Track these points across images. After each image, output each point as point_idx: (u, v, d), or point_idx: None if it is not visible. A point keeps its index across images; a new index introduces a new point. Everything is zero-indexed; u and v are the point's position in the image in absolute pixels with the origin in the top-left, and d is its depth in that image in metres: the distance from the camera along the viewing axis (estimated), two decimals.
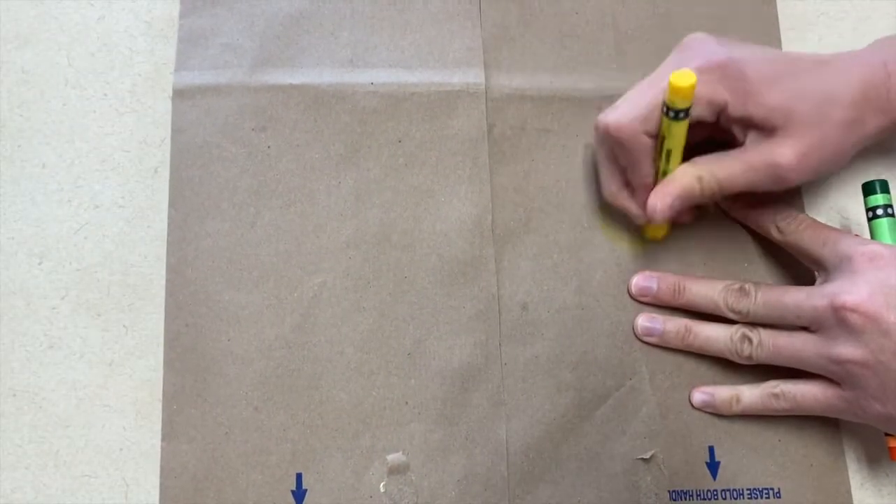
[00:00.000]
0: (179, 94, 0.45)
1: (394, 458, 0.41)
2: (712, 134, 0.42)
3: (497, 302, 0.44)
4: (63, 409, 0.42)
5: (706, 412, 0.43)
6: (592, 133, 0.44)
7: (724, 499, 0.42)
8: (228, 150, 0.45)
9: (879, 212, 0.41)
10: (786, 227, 0.42)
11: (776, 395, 0.41)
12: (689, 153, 0.41)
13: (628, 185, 0.43)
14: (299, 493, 0.41)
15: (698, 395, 0.43)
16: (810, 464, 0.42)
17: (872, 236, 0.42)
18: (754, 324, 0.41)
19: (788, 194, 0.46)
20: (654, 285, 0.44)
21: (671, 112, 0.38)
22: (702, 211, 0.46)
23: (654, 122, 0.39)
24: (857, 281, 0.37)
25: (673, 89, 0.37)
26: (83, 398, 0.42)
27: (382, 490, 0.41)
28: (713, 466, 0.42)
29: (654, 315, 0.44)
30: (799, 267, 0.43)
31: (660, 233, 0.45)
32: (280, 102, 0.45)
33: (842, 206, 0.47)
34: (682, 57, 0.40)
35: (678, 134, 0.39)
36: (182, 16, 0.47)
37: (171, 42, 0.47)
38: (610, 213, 0.46)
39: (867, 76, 0.40)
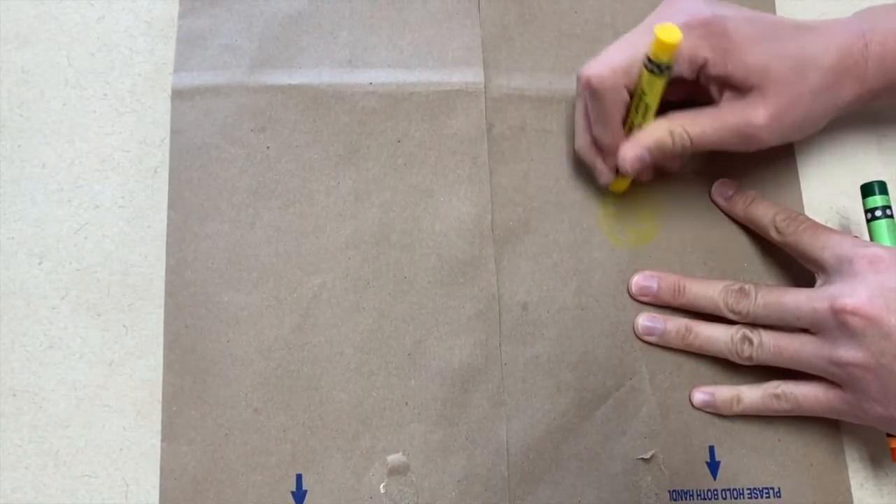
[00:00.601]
0: (178, 95, 0.45)
1: (394, 458, 0.41)
2: (690, 93, 0.43)
3: (497, 302, 0.44)
4: (63, 409, 0.42)
5: (706, 412, 0.43)
6: None
7: (725, 498, 0.42)
8: (227, 151, 0.45)
9: (878, 213, 0.41)
10: (785, 227, 0.42)
11: (777, 396, 0.41)
12: (664, 111, 0.41)
13: (597, 141, 0.43)
14: (299, 494, 0.41)
15: (699, 395, 0.43)
16: (810, 463, 0.42)
17: (871, 238, 0.41)
18: (755, 324, 0.41)
19: (788, 192, 0.46)
20: (655, 285, 0.44)
21: (654, 66, 0.38)
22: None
23: (634, 76, 0.39)
24: (857, 284, 0.37)
25: (658, 43, 0.37)
26: (83, 398, 0.42)
27: (383, 491, 0.41)
28: (713, 466, 0.42)
29: (654, 314, 0.44)
30: (798, 267, 0.43)
31: (621, 186, 0.45)
32: (279, 103, 0.45)
33: (841, 206, 0.47)
34: (667, 12, 0.40)
35: (657, 89, 0.39)
36: (181, 16, 0.46)
37: (171, 42, 0.47)
38: (610, 211, 0.46)
39: (846, 44, 0.40)
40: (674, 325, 0.43)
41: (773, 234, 0.43)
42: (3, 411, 0.42)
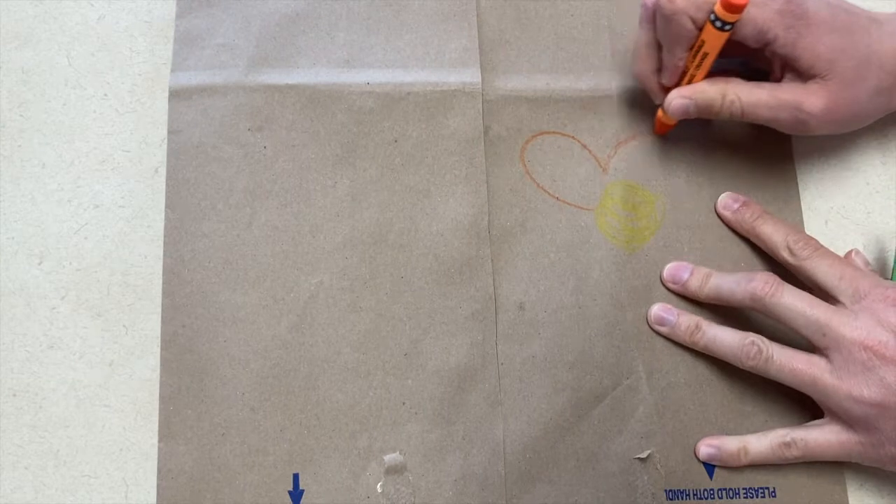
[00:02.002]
0: (175, 95, 0.45)
1: (391, 458, 0.41)
2: (750, 56, 0.43)
3: (493, 302, 0.44)
4: (63, 409, 0.42)
5: (704, 414, 0.43)
6: (588, 135, 0.46)
7: (721, 498, 0.42)
8: (224, 151, 0.45)
9: None
10: (799, 250, 0.42)
11: (787, 444, 0.41)
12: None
13: (660, 67, 0.43)
14: (296, 494, 0.41)
15: (704, 449, 0.42)
16: (806, 463, 0.42)
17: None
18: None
19: (785, 193, 0.46)
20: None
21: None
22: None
23: (703, 13, 0.39)
24: (871, 321, 0.38)
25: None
26: (83, 398, 0.42)
27: (380, 490, 0.41)
28: (709, 466, 0.42)
29: (670, 307, 0.44)
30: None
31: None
32: (276, 102, 0.45)
33: (841, 206, 0.47)
34: None
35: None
36: (178, 16, 0.47)
37: (170, 42, 0.47)
38: (607, 210, 0.46)
39: None
40: (686, 320, 0.43)
41: (785, 255, 0.43)
42: (3, 411, 0.42)
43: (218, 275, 0.43)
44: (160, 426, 0.41)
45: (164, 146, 0.45)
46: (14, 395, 0.42)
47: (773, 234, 0.43)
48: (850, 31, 0.40)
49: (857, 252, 0.43)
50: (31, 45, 0.47)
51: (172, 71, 0.46)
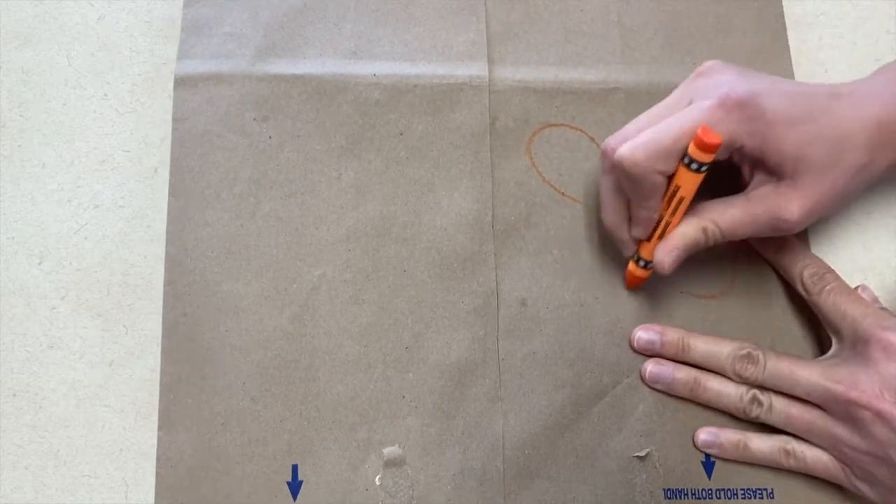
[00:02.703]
0: (181, 83, 0.45)
1: (390, 451, 0.41)
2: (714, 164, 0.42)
3: (496, 297, 0.44)
4: (63, 409, 0.42)
5: (704, 414, 0.43)
6: (596, 128, 0.45)
7: (719, 498, 0.42)
8: (230, 140, 0.45)
9: None
10: (811, 286, 0.42)
11: (787, 452, 0.41)
12: None
13: (630, 217, 0.41)
14: (295, 485, 0.41)
15: (703, 436, 0.42)
16: None
17: None
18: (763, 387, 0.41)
19: None
20: (658, 340, 0.43)
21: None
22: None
23: (672, 163, 0.37)
24: (870, 373, 0.38)
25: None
26: (83, 398, 0.42)
27: (378, 483, 0.41)
28: (708, 466, 0.42)
29: (664, 361, 0.43)
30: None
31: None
32: (282, 92, 0.45)
33: None
34: (701, 86, 0.39)
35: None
36: (186, 5, 0.46)
37: (170, 42, 0.47)
38: None
39: (881, 114, 0.38)
40: (683, 375, 0.42)
41: (799, 289, 0.42)
42: (3, 411, 0.42)
43: (220, 264, 0.43)
44: (160, 414, 0.41)
45: (164, 146, 0.45)
46: (14, 395, 0.42)
47: (791, 265, 0.43)
48: (812, 118, 0.37)
49: (864, 288, 0.43)
50: (31, 45, 0.47)
51: (179, 59, 0.45)
